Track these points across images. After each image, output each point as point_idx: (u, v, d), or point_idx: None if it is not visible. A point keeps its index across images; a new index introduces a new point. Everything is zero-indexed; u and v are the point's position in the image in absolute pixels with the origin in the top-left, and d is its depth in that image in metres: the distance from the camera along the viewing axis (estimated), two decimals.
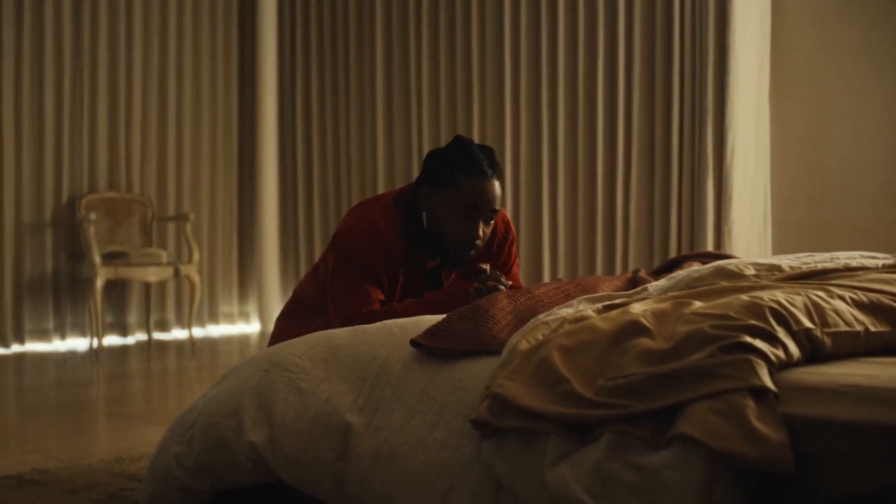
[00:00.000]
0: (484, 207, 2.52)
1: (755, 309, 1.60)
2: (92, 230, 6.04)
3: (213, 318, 7.12)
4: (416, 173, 6.37)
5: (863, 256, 2.13)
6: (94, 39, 6.47)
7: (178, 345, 6.46)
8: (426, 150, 6.27)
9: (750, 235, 4.85)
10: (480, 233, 2.54)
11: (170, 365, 5.76)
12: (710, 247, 4.84)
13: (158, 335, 6.69)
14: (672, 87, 5.13)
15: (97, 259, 5.95)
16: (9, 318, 6.11)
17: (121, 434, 3.77)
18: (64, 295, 6.33)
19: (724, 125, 4.86)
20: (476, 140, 5.96)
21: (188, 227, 6.48)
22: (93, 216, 6.08)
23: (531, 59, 5.76)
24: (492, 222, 2.57)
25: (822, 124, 4.86)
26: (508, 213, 5.78)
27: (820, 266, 2.00)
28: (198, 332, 6.84)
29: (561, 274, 5.60)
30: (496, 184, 2.53)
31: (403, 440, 1.78)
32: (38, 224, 6.28)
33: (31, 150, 6.23)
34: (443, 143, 6.23)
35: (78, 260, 6.30)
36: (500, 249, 2.76)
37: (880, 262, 2.05)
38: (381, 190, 6.41)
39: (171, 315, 6.81)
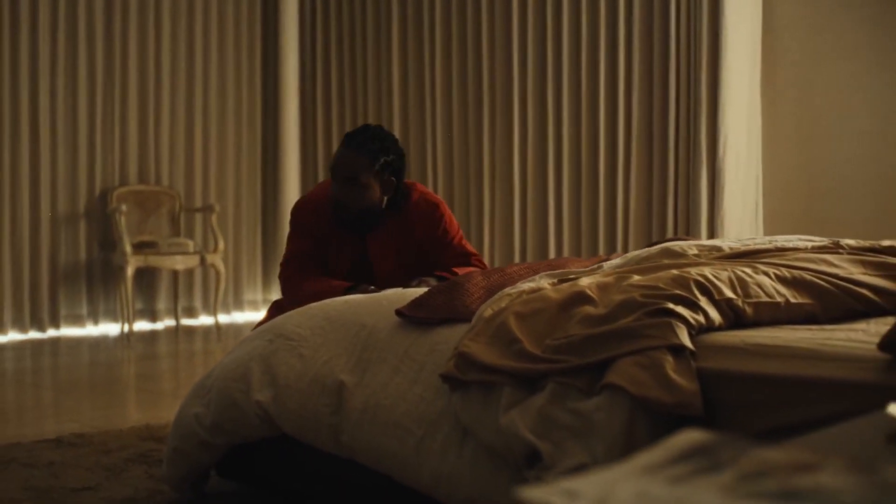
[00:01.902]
0: (335, 172, 2.88)
1: (682, 281, 1.87)
2: (123, 221, 6.31)
3: (238, 305, 7.37)
4: (429, 166, 6.64)
5: (800, 239, 2.38)
6: (125, 40, 6.73)
7: (205, 330, 6.72)
8: (440, 143, 6.54)
9: (742, 225, 5.07)
10: (341, 194, 2.86)
11: (196, 348, 6.06)
12: (703, 235, 5.06)
13: (186, 321, 6.94)
14: (668, 85, 5.36)
15: (128, 248, 6.23)
16: (45, 304, 6.40)
17: (150, 406, 4.07)
18: (96, 282, 6.61)
19: (718, 121, 5.08)
20: (486, 137, 6.25)
21: (214, 217, 6.75)
22: (124, 208, 6.34)
23: (537, 60, 6.00)
24: (354, 187, 2.85)
25: (812, 120, 5.05)
26: (515, 204, 6.05)
27: (755, 247, 2.26)
28: (223, 318, 7.07)
29: None
30: (345, 151, 2.87)
31: (387, 395, 2.06)
32: (73, 215, 6.56)
33: (65, 146, 6.50)
34: (455, 138, 6.51)
35: (110, 249, 6.57)
36: (431, 224, 3.01)
37: (810, 245, 2.30)
38: None
39: (197, 302, 7.07)
